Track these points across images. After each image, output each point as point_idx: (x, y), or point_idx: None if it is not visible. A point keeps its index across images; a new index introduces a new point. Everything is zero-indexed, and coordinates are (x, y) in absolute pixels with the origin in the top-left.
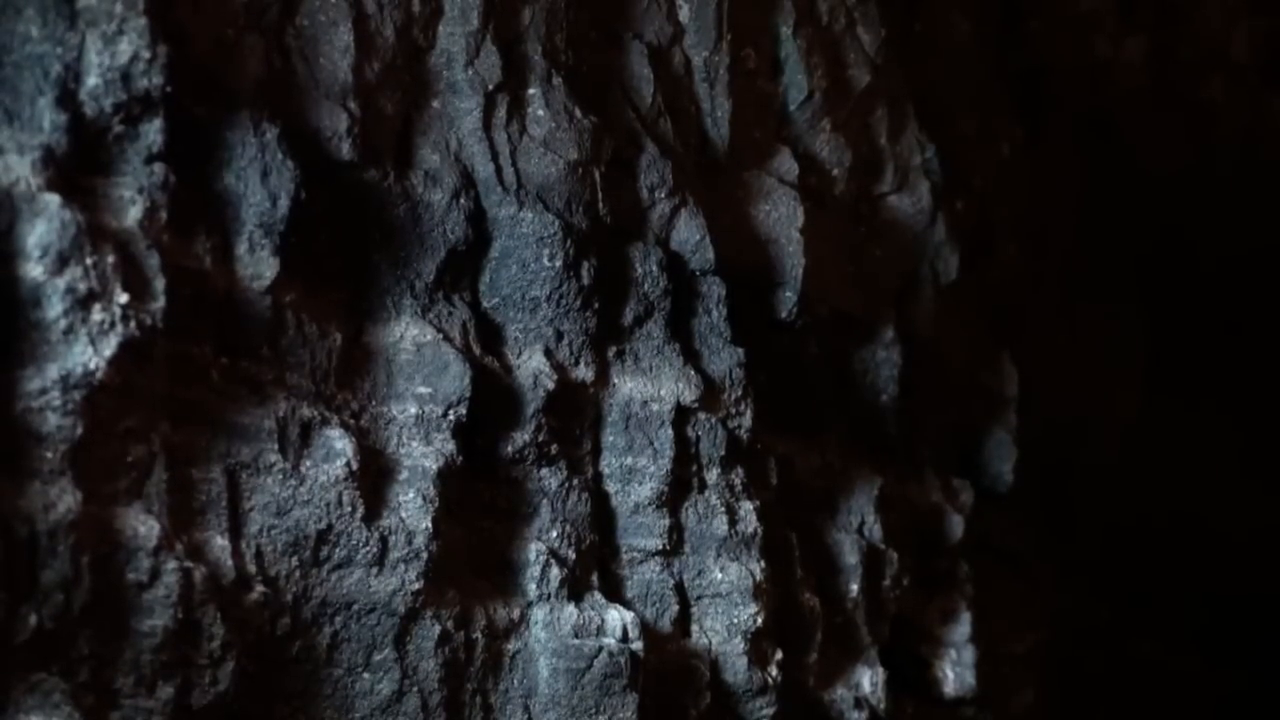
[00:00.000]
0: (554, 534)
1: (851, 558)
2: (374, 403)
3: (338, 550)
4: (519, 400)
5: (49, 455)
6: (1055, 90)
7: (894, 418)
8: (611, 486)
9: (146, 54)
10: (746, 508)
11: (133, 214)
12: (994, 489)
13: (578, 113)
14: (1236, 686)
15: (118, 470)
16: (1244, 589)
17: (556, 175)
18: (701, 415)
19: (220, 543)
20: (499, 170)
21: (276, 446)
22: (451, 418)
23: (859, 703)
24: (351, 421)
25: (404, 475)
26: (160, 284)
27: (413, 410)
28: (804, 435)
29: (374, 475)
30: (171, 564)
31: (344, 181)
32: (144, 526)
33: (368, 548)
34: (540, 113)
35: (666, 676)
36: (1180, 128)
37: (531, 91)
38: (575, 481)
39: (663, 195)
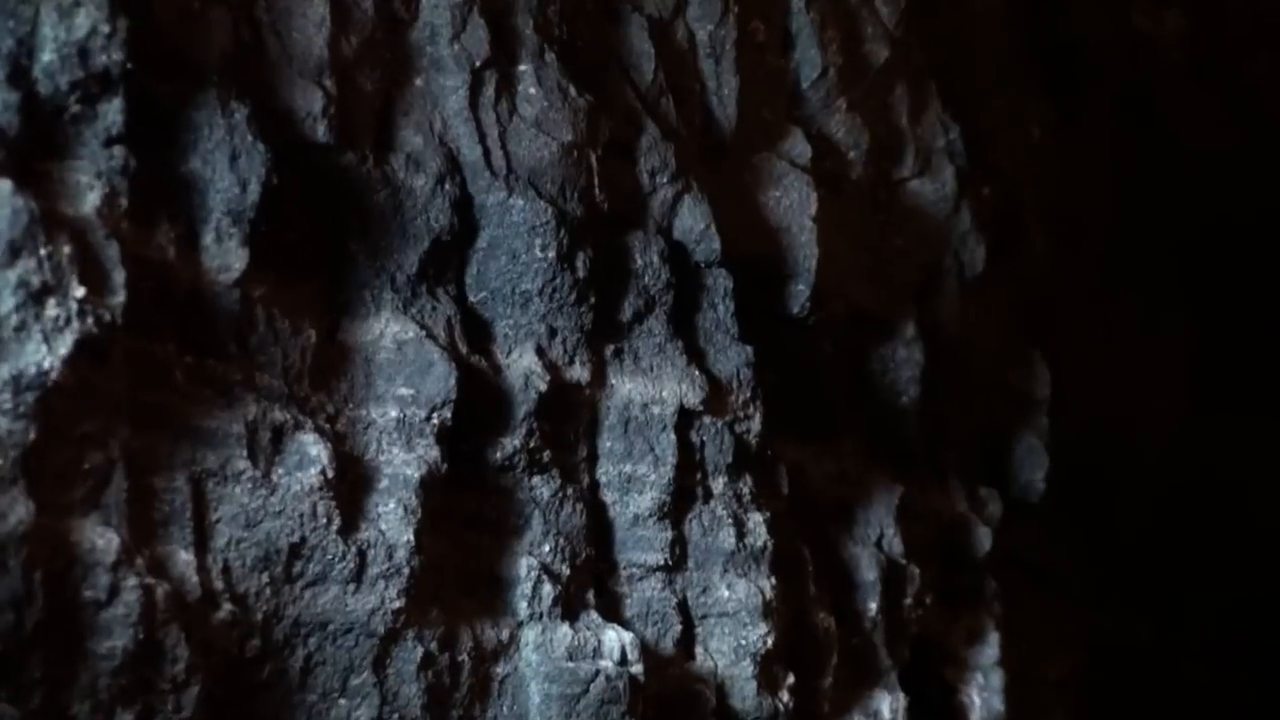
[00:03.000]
0: (546, 548)
1: (869, 573)
2: (351, 405)
3: (312, 565)
4: (508, 403)
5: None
6: (1090, 66)
7: (915, 421)
8: (609, 496)
9: (105, 28)
10: (755, 519)
11: (90, 201)
12: (1024, 498)
13: (572, 91)
14: None
15: (74, 479)
16: None
17: (549, 159)
18: (706, 419)
19: (184, 557)
20: (487, 153)
21: (245, 453)
22: (435, 421)
23: None
24: (327, 426)
25: (384, 484)
26: (120, 277)
27: (393, 413)
28: (818, 441)
29: (351, 484)
30: (131, 580)
31: (319, 165)
32: (102, 540)
33: (344, 563)
34: (532, 91)
35: (668, 702)
36: (1224, 107)
37: (522, 68)
38: (569, 491)
39: (664, 180)
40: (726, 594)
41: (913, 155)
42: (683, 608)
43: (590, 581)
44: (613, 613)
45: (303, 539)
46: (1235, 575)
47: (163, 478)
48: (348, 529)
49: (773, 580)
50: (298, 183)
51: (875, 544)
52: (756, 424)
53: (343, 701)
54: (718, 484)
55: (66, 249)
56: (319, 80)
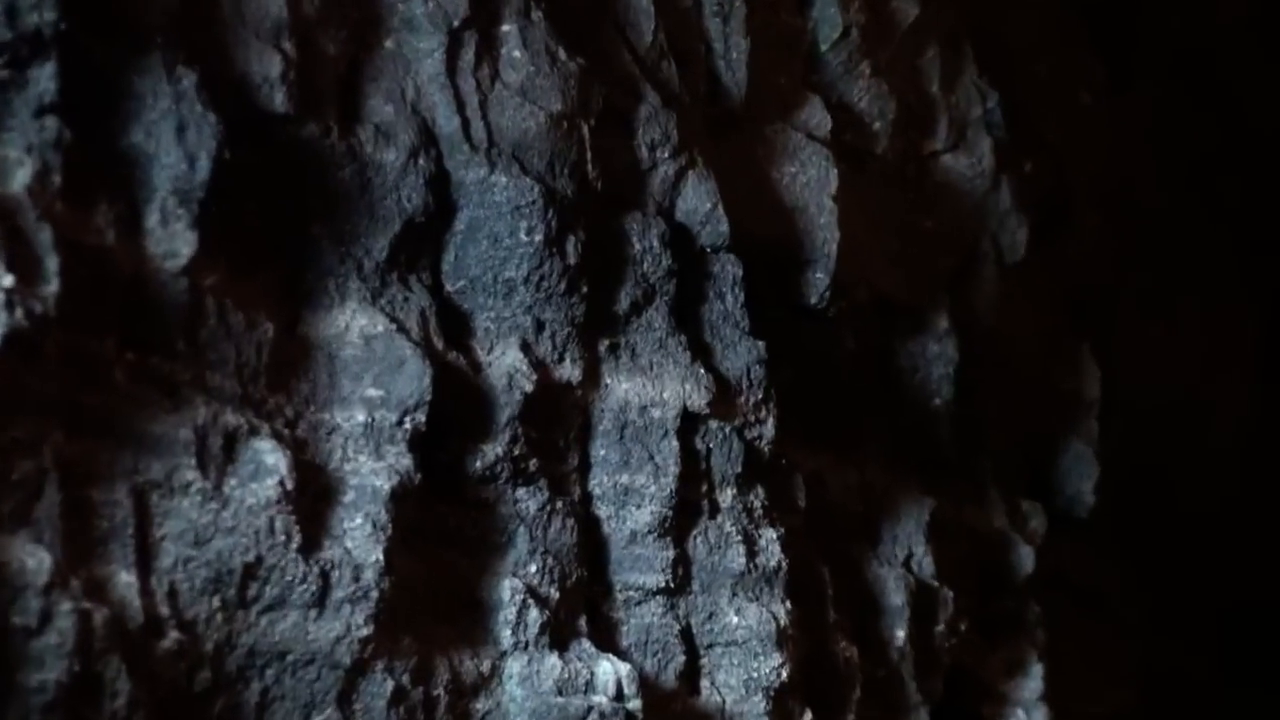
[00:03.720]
0: (532, 568)
1: (896, 597)
2: (313, 408)
3: (269, 588)
4: (490, 405)
5: None
6: (1145, 25)
7: (948, 426)
8: (603, 510)
9: None
10: (768, 536)
11: (19, 178)
12: (1071, 512)
13: (562, 54)
14: None
15: (1, 491)
16: None
17: (535, 130)
18: (713, 423)
19: (126, 579)
20: (466, 124)
21: (194, 462)
22: (408, 426)
23: None
24: (286, 431)
25: (350, 497)
26: (53, 264)
27: (360, 417)
28: (838, 448)
29: (313, 497)
30: (66, 605)
31: (276, 138)
32: (32, 559)
33: (305, 585)
34: (516, 54)
35: None
36: None
37: (506, 28)
38: (559, 504)
39: (665, 155)
40: (735, 620)
41: (945, 126)
42: (686, 636)
43: (582, 606)
44: (607, 641)
45: (258, 558)
46: None
47: (101, 489)
48: (309, 547)
49: (787, 605)
50: (253, 158)
51: (903, 564)
52: (769, 429)
53: None
54: (725, 496)
55: None
56: (276, 42)
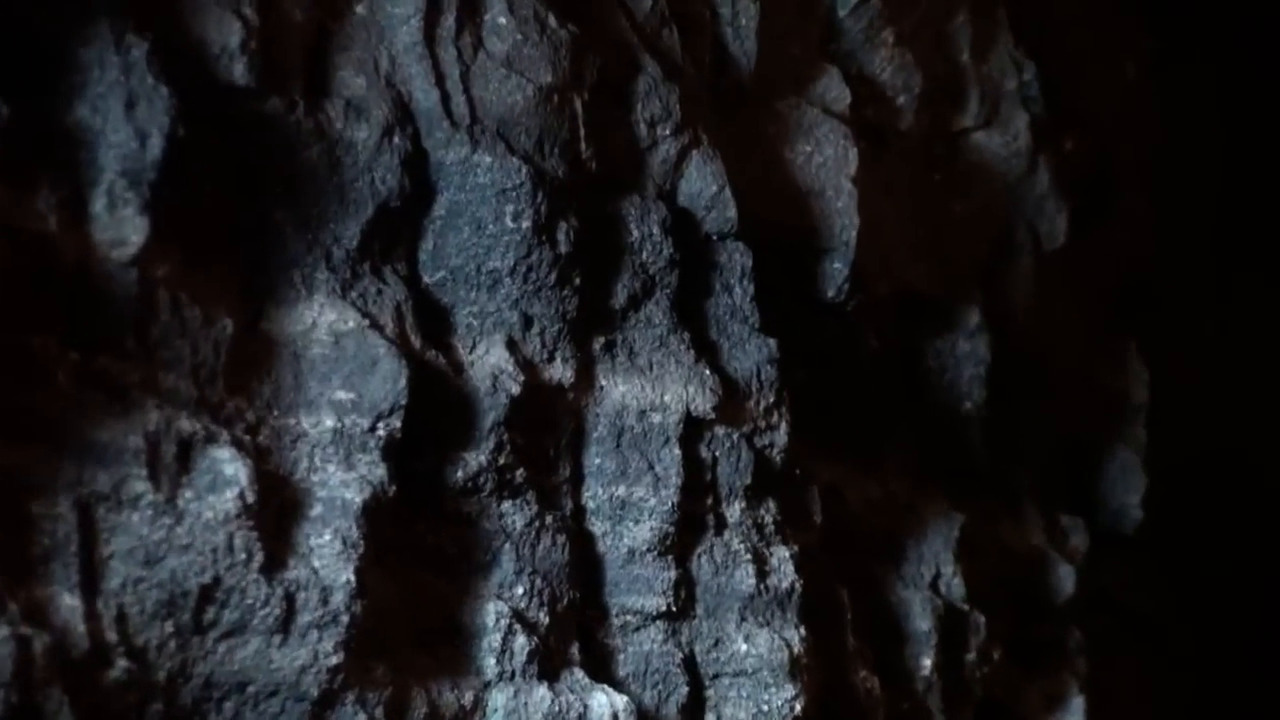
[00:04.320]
0: (519, 590)
1: (923, 622)
2: (277, 413)
3: (228, 612)
4: (473, 409)
5: None
6: None
7: (980, 432)
8: (598, 526)
9: None
10: (780, 555)
11: None
12: (1117, 528)
13: (552, 21)
14: None
15: None
16: None
17: (523, 105)
18: (719, 429)
19: (69, 602)
20: (445, 99)
21: (145, 472)
22: (381, 433)
23: None
24: (246, 438)
25: (317, 511)
26: None
27: (329, 423)
28: (858, 457)
29: (277, 511)
30: (3, 631)
31: (236, 114)
32: None
33: (268, 609)
34: (502, 21)
35: None
36: None
37: None
38: (549, 519)
39: (667, 132)
40: (744, 648)
41: (977, 100)
42: (689, 665)
43: (574, 632)
44: (602, 671)
45: (216, 579)
46: None
47: (42, 503)
48: (272, 567)
49: (802, 630)
50: (210, 136)
51: (930, 586)
52: (781, 436)
53: None
54: (733, 511)
55: None
56: (236, 8)
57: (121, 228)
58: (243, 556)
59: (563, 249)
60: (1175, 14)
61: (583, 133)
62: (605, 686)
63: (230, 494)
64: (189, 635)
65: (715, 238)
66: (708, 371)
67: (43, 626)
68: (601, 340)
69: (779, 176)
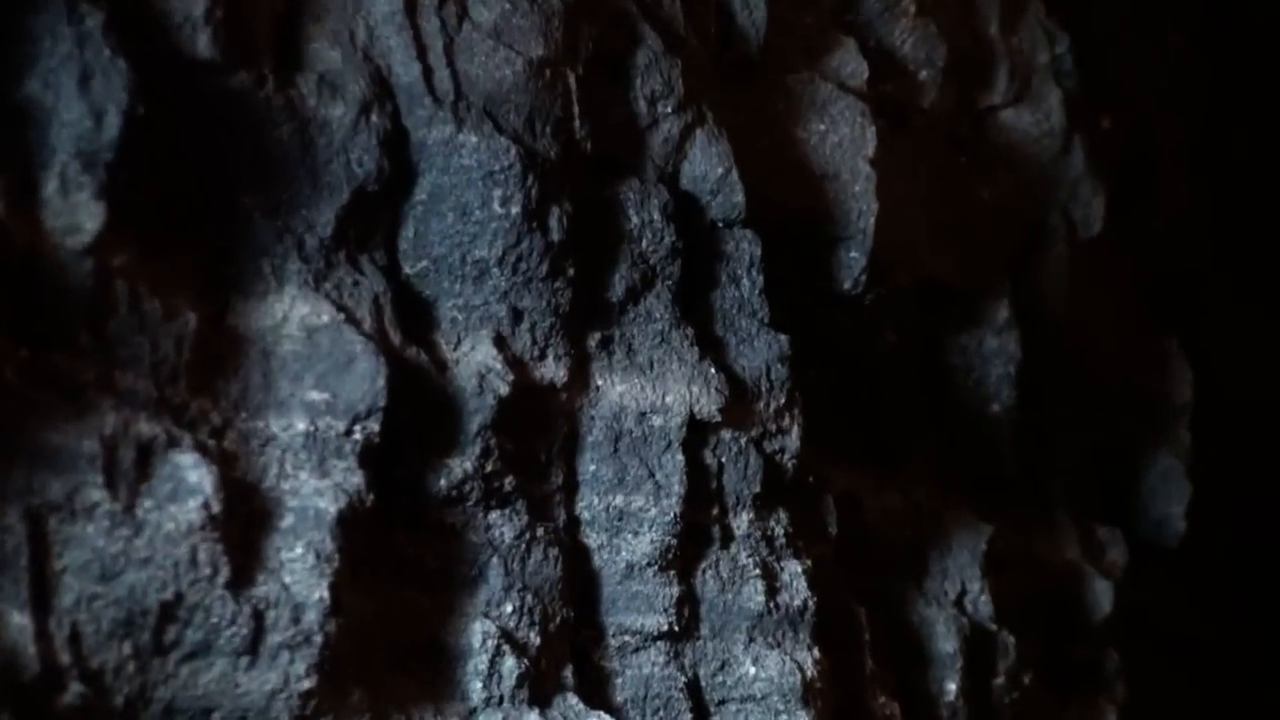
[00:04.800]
0: (508, 608)
1: (947, 643)
2: (244, 415)
3: (191, 631)
4: (457, 411)
5: None
6: None
7: (1009, 437)
8: (593, 538)
9: None
10: (792, 570)
11: None
12: (1158, 541)
13: None
14: None
15: None
16: None
17: (512, 80)
18: (725, 433)
19: (18, 620)
20: (428, 73)
21: (102, 479)
22: (358, 437)
23: None
24: (211, 442)
25: (288, 521)
26: None
27: (301, 426)
28: (877, 464)
29: (244, 521)
30: None
31: (200, 90)
32: None
33: (235, 628)
34: None
35: None
36: None
37: None
38: (540, 531)
39: (668, 110)
40: (752, 671)
41: (1006, 75)
42: (693, 690)
43: (568, 654)
44: (598, 696)
45: (178, 595)
46: None
47: None
48: (239, 582)
49: (815, 652)
50: (172, 114)
51: (955, 603)
52: (793, 440)
53: None
54: (741, 522)
55: None
56: None
57: (75, 213)
58: (207, 571)
59: (555, 237)
60: None
61: (577, 110)
62: (601, 713)
63: (194, 503)
64: (149, 657)
65: (721, 224)
66: (713, 370)
67: None
68: (597, 336)
69: (790, 158)
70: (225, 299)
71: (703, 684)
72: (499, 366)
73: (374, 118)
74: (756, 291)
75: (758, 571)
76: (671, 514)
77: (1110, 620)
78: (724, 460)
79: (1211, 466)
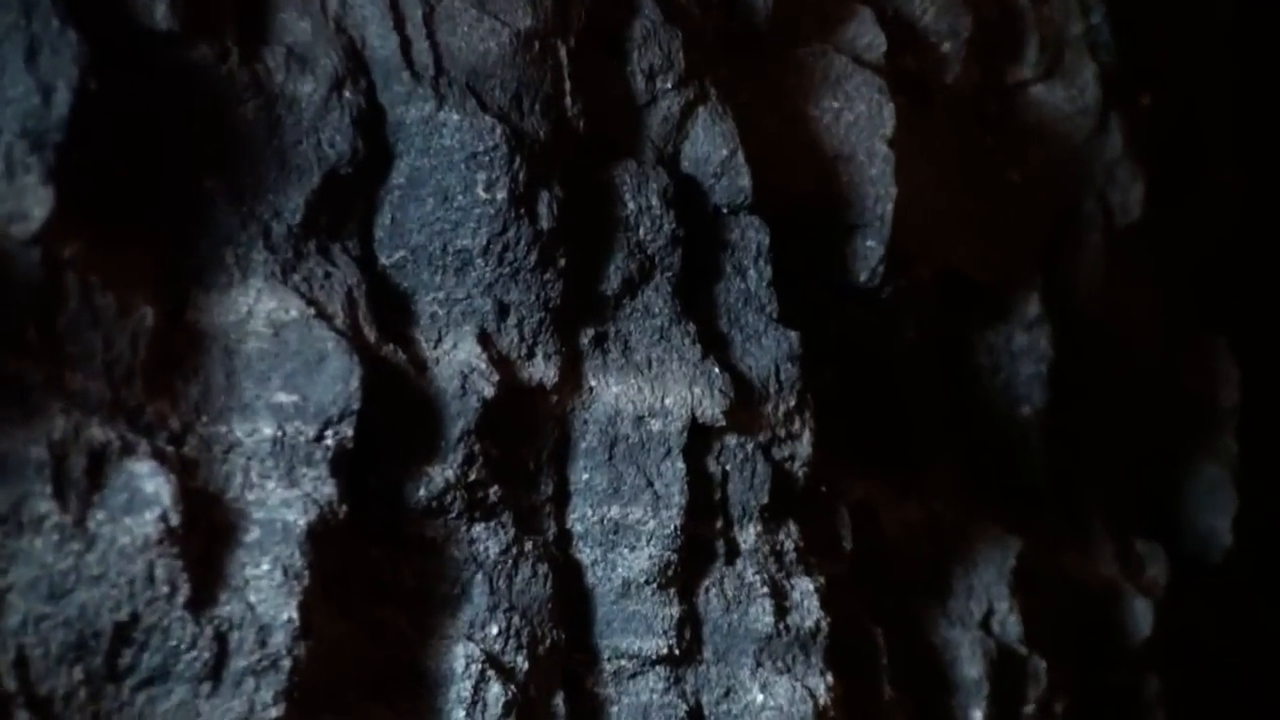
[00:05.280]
0: (494, 630)
1: (972, 668)
2: (205, 419)
3: (148, 655)
4: (438, 415)
5: None
6: None
7: (1040, 443)
8: (586, 553)
9: None
10: (804, 588)
11: None
12: (1202, 556)
13: None
14: None
15: None
16: None
17: (498, 53)
18: (730, 439)
19: None
20: (406, 45)
21: (50, 489)
22: (330, 443)
23: None
24: (170, 449)
25: (254, 535)
26: None
27: (268, 431)
28: (896, 472)
29: (206, 535)
30: None
31: (158, 64)
32: None
33: (196, 651)
34: None
35: None
36: None
37: None
38: (528, 546)
39: (668, 86)
40: (760, 698)
41: (1036, 48)
42: (695, 718)
43: (559, 679)
44: None
45: (134, 616)
46: None
47: None
48: (200, 602)
49: (829, 678)
50: (127, 90)
51: (981, 625)
52: (804, 446)
53: None
54: (747, 535)
55: None
56: None
57: (21, 199)
58: (165, 589)
59: (544, 224)
60: None
61: (568, 86)
62: None
63: (150, 515)
64: (101, 683)
65: (726, 211)
66: (716, 370)
67: None
68: (591, 333)
69: (801, 138)
70: (185, 292)
71: (706, 712)
72: (483, 365)
73: (347, 94)
74: (764, 284)
75: (766, 590)
76: (671, 527)
77: (1150, 643)
78: (729, 468)
79: (1260, 476)
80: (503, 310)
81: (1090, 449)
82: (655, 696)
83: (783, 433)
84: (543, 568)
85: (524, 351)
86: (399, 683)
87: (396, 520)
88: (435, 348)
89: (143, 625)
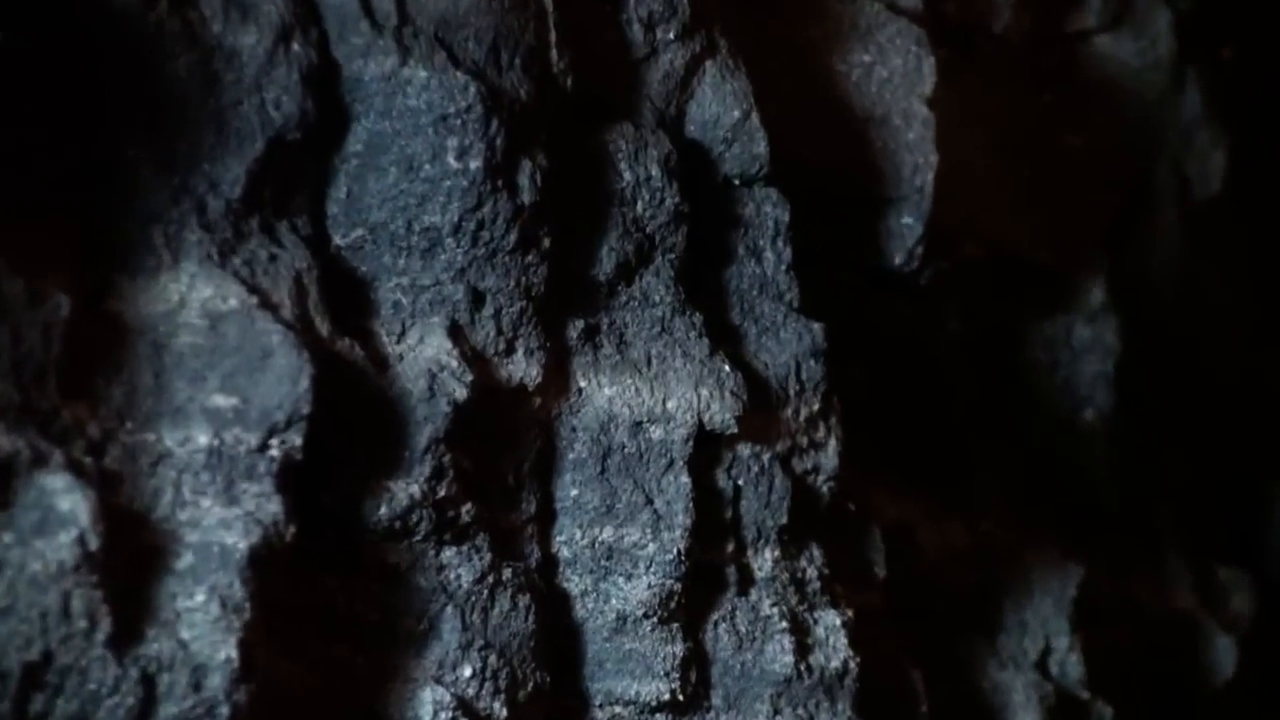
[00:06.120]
0: (467, 671)
1: (1027, 715)
2: (130, 425)
3: (63, 701)
4: (402, 420)
5: None
6: None
7: (1106, 453)
8: (575, 582)
9: None
10: (829, 622)
11: None
12: None
13: None
14: None
15: None
16: None
17: (470, 0)
18: (744, 449)
19: None
20: None
21: None
22: (275, 453)
23: None
24: (88, 460)
25: (186, 561)
26: None
27: (203, 439)
28: (937, 487)
29: (131, 561)
30: None
31: (76, 12)
32: None
33: (118, 697)
34: None
35: None
36: None
37: None
38: (507, 574)
39: (670, 36)
40: None
41: None
42: None
43: None
44: None
45: (46, 655)
46: None
47: None
48: (124, 638)
49: None
50: (39, 42)
51: (1037, 665)
52: (830, 457)
53: None
54: (763, 561)
55: None
56: None
57: None
58: (83, 624)
59: (526, 198)
60: None
61: (553, 37)
62: None
63: (66, 538)
64: None
65: (738, 182)
66: (727, 368)
67: None
68: (580, 324)
69: (827, 98)
70: (106, 278)
71: None
72: (454, 363)
73: (295, 47)
74: (783, 267)
75: (784, 624)
76: (674, 551)
77: (1233, 685)
78: (741, 483)
79: None
80: (477, 298)
81: (1163, 460)
82: None
83: (804, 441)
84: (524, 599)
85: (502, 346)
86: None
87: (353, 544)
88: (398, 342)
89: (57, 665)
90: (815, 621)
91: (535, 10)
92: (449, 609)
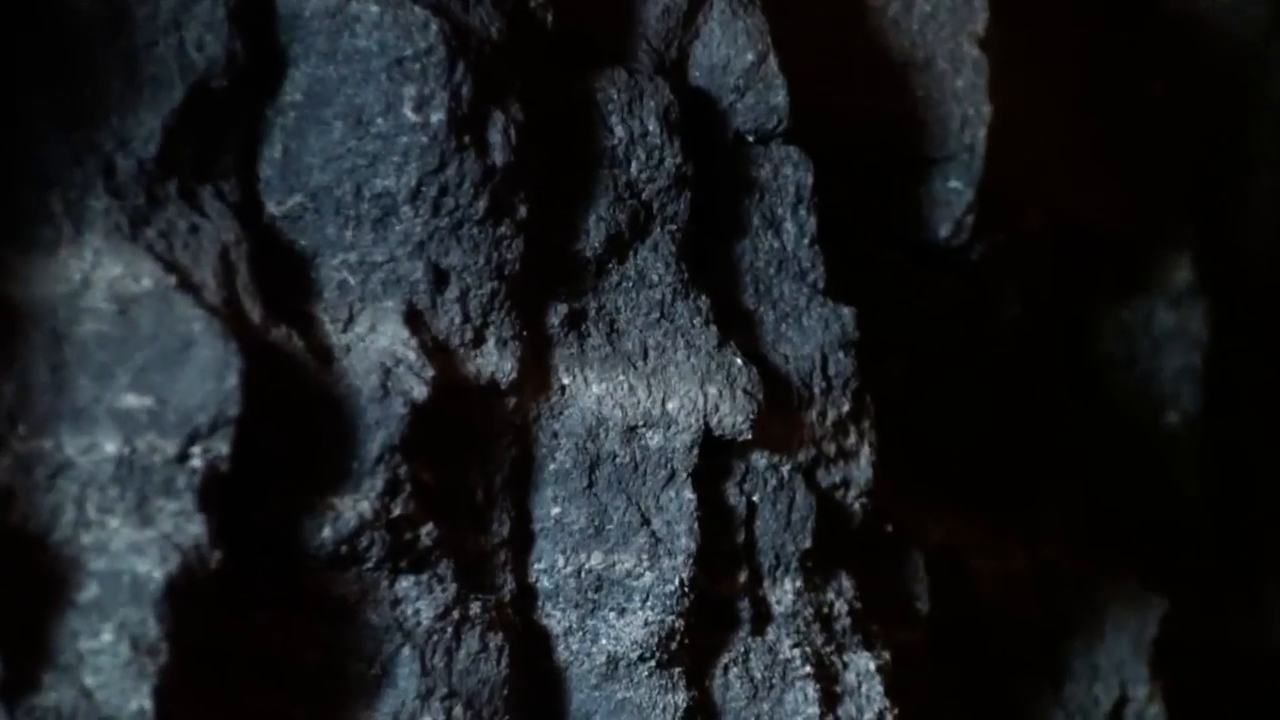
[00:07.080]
0: None
1: None
2: (23, 430)
3: None
4: (349, 424)
5: None
6: None
7: (1193, 463)
8: (557, 619)
9: None
10: (862, 667)
11: None
12: None
13: None
14: None
15: None
16: None
17: None
18: (759, 458)
19: None
20: None
21: None
22: (197, 464)
23: None
24: None
25: (91, 592)
26: None
27: (110, 447)
28: (990, 505)
29: (24, 593)
30: None
31: None
32: None
33: None
34: None
35: None
36: None
37: None
38: (475, 609)
39: None
40: None
41: None
42: None
43: None
44: None
45: None
46: None
47: None
48: (16, 686)
49: None
50: None
51: (1111, 713)
52: (862, 469)
53: None
54: (783, 593)
55: None
56: None
57: None
58: None
59: (497, 158)
60: None
61: None
62: None
63: None
64: None
65: (752, 139)
66: (739, 361)
67: None
68: (563, 310)
69: (858, 37)
70: None
71: None
72: (412, 356)
73: None
74: (806, 241)
75: (808, 669)
76: (675, 581)
77: None
78: (756, 499)
79: None
80: (440, 278)
81: (1260, 472)
82: None
83: (832, 449)
84: (495, 639)
85: (469, 336)
86: None
87: (291, 573)
88: (345, 331)
89: None
90: (845, 666)
91: None
92: (406, 650)
